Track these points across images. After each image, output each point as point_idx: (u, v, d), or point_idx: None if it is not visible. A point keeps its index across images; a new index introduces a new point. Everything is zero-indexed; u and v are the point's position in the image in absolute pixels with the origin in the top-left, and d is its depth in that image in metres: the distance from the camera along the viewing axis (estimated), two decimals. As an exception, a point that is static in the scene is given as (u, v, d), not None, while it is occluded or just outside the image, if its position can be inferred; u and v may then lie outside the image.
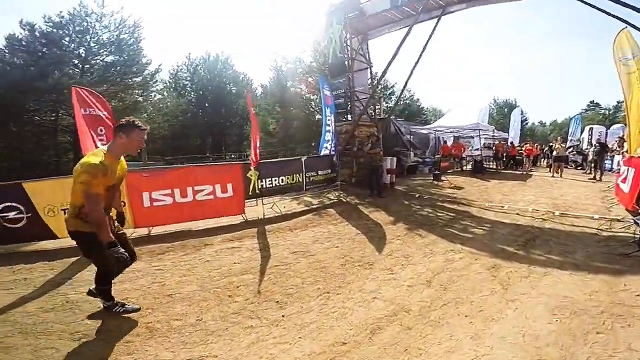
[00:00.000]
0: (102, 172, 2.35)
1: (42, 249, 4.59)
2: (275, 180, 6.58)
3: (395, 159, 9.09)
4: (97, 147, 4.67)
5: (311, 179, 7.18)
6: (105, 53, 15.12)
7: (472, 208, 6.85)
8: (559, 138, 14.82)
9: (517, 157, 14.30)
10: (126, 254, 2.48)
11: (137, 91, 15.73)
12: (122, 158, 2.66)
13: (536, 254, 4.17)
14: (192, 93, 25.08)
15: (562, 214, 5.95)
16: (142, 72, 16.48)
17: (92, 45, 14.71)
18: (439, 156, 13.28)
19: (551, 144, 16.98)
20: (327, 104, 7.87)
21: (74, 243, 2.60)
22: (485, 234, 5.03)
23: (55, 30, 13.97)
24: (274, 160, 7.30)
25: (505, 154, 14.32)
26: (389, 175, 8.63)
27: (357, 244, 4.69)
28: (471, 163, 13.28)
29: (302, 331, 2.70)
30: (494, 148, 14.40)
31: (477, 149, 14.35)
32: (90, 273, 3.79)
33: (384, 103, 23.04)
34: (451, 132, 14.51)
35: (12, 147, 13.23)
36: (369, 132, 8.35)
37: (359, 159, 8.38)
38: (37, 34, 13.58)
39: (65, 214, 4.64)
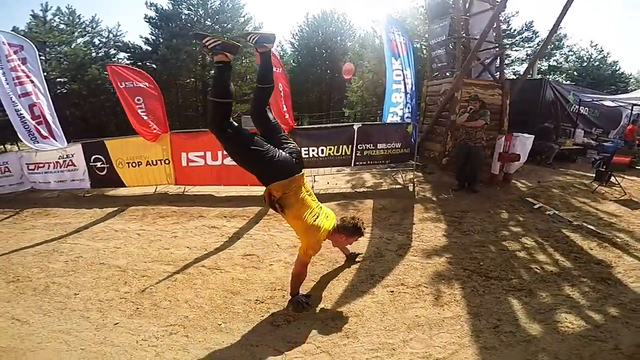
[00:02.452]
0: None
1: (115, 194, 5.86)
2: (313, 151, 5.44)
3: (530, 138, 5.49)
4: (137, 114, 5.24)
5: (365, 152, 5.47)
6: (220, 20, 16.79)
7: (625, 257, 3.35)
8: None
9: None
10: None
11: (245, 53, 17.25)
12: None
13: None
14: (306, 50, 23.83)
15: None
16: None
17: (213, 13, 16.58)
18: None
19: None
20: (395, 53, 5.29)
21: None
22: (584, 339, 2.22)
23: (175, 7, 16.50)
24: (316, 126, 5.94)
25: None
26: (502, 162, 5.38)
27: (326, 274, 3.22)
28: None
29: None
30: None
31: None
32: (97, 227, 4.53)
33: (538, 60, 14.71)
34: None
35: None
36: (479, 96, 5.26)
37: (455, 131, 5.59)
38: (162, 11, 16.46)
39: (129, 166, 5.75)
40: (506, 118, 5.89)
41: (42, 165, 5.65)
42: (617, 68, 21.39)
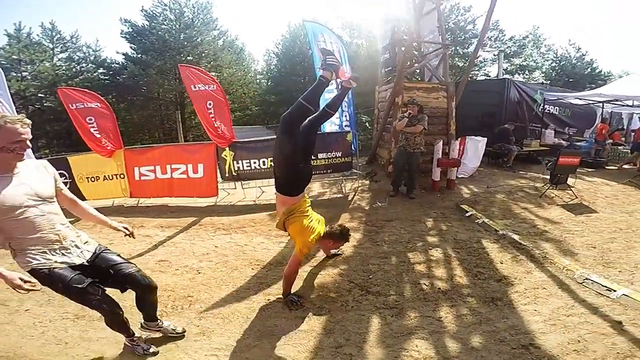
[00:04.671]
0: None
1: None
2: (255, 163, 5.62)
3: (482, 141, 5.39)
4: (89, 132, 5.63)
5: (305, 163, 5.59)
6: (189, 35, 17.06)
7: (534, 273, 3.22)
8: None
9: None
10: None
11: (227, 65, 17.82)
12: None
13: None
14: (288, 59, 22.27)
15: None
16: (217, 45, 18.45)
17: (184, 27, 16.87)
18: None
19: None
20: (324, 62, 5.34)
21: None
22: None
23: (149, 22, 16.79)
24: (253, 139, 6.09)
25: None
26: (442, 168, 5.30)
27: (219, 279, 3.36)
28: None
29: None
30: None
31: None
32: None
33: (503, 60, 14.37)
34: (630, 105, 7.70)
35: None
36: (417, 100, 5.23)
37: (395, 137, 5.57)
38: (136, 27, 16.72)
39: (88, 181, 6.18)
40: (452, 121, 5.78)
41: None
42: (596, 66, 20.51)
